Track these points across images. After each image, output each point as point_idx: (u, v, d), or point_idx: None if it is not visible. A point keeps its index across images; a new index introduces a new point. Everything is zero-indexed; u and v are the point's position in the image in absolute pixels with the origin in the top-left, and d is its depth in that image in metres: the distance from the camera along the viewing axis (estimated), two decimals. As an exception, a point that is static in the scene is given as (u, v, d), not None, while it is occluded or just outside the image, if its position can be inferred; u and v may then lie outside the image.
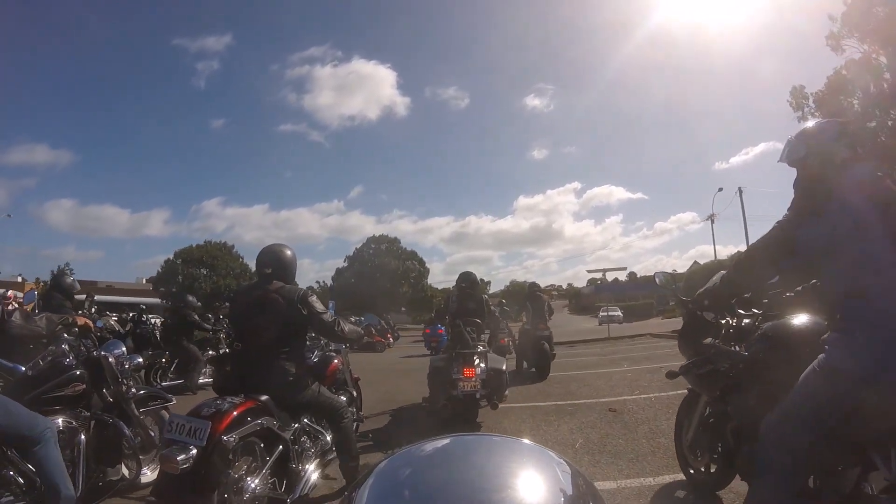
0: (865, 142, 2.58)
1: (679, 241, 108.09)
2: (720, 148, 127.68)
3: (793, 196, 2.30)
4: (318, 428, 3.60)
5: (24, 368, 3.38)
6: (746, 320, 2.90)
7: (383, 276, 53.78)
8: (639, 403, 6.32)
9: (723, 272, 2.74)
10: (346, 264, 57.91)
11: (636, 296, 50.06)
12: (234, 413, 2.76)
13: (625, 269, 50.13)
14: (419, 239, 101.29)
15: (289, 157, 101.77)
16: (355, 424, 4.02)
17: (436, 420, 5.71)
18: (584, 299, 73.44)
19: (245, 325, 3.37)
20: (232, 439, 2.68)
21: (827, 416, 2.03)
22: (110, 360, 3.55)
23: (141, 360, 4.64)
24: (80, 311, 6.06)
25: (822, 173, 2.22)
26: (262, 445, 3.00)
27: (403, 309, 50.69)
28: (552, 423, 5.68)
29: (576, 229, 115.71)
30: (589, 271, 52.68)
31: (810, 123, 2.44)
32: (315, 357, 4.08)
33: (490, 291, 78.39)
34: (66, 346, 3.46)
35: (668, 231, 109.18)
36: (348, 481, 3.33)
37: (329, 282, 58.20)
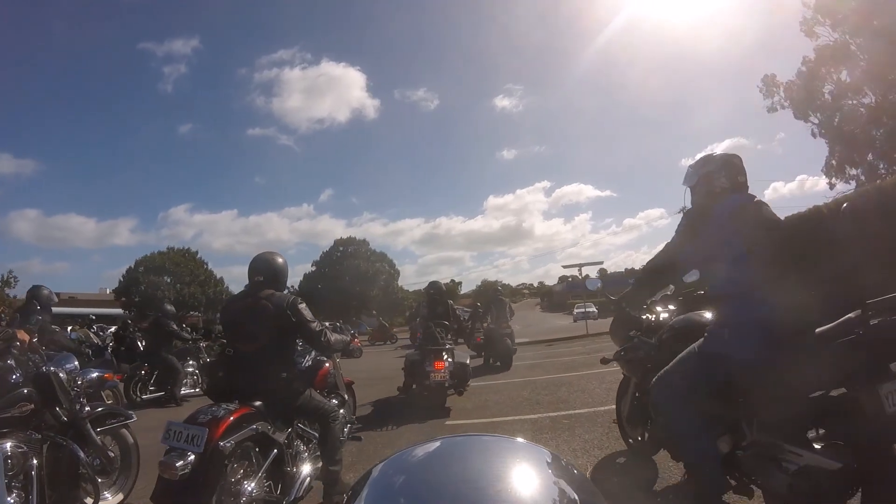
0: (745, 172, 2.80)
1: (648, 237, 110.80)
2: (686, 144, 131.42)
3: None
4: (311, 432, 3.61)
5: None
6: (664, 315, 3.60)
7: (353, 280, 53.18)
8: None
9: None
10: (313, 269, 57.05)
11: (611, 290, 50.74)
12: (230, 419, 2.83)
13: (601, 262, 50.80)
14: (390, 241, 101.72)
15: (257, 162, 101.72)
16: (347, 427, 4.06)
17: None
18: (556, 297, 74.19)
19: (237, 332, 3.40)
20: (229, 445, 2.77)
21: (696, 387, 2.62)
22: (61, 375, 3.32)
23: (95, 374, 4.41)
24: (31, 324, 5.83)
25: (704, 200, 2.80)
26: (256, 450, 3.07)
27: (374, 312, 50.15)
28: (548, 441, 4.80)
29: (546, 228, 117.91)
30: (564, 266, 52.81)
31: (702, 155, 2.97)
32: (307, 362, 4.09)
33: (462, 292, 79.59)
34: (13, 362, 3.26)
35: (637, 227, 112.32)
36: (327, 486, 3.38)
37: (297, 287, 57.49)
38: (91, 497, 3.36)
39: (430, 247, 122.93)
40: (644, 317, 3.69)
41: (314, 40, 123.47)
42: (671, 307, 3.68)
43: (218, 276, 50.64)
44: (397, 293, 57.42)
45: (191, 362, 9.76)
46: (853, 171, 25.26)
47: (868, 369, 2.14)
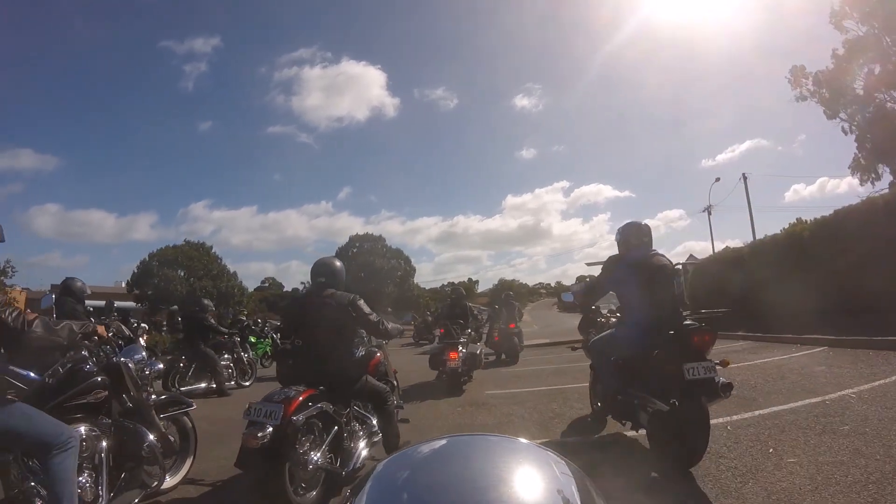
0: (650, 234, 3.84)
1: (666, 238, 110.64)
2: (707, 145, 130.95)
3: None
4: (365, 413, 4.31)
5: (34, 375, 3.22)
6: (612, 319, 5.40)
7: (368, 276, 53.49)
8: (761, 428, 4.64)
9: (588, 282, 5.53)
10: (328, 264, 57.64)
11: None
12: (300, 399, 3.45)
13: None
14: (407, 239, 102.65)
15: (277, 159, 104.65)
16: (396, 410, 4.60)
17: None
18: (574, 297, 73.57)
19: (304, 326, 4.12)
20: (299, 420, 3.38)
21: (609, 353, 4.51)
22: (130, 366, 3.60)
23: (161, 365, 4.75)
24: (102, 318, 6.49)
25: (621, 252, 4.62)
26: (320, 426, 3.69)
27: (389, 309, 50.44)
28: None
29: (563, 228, 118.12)
30: (588, 264, 52.55)
31: (626, 223, 4.71)
32: (361, 352, 4.64)
33: (478, 291, 79.78)
34: (86, 353, 3.50)
35: (655, 228, 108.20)
36: (387, 447, 4.10)
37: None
38: (153, 478, 3.64)
39: (447, 245, 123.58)
40: (599, 319, 5.63)
41: (335, 39, 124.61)
42: (617, 314, 5.27)
43: (231, 271, 51.01)
44: (412, 290, 57.65)
45: (226, 356, 10.18)
46: (882, 169, 24.90)
47: (679, 355, 3.81)
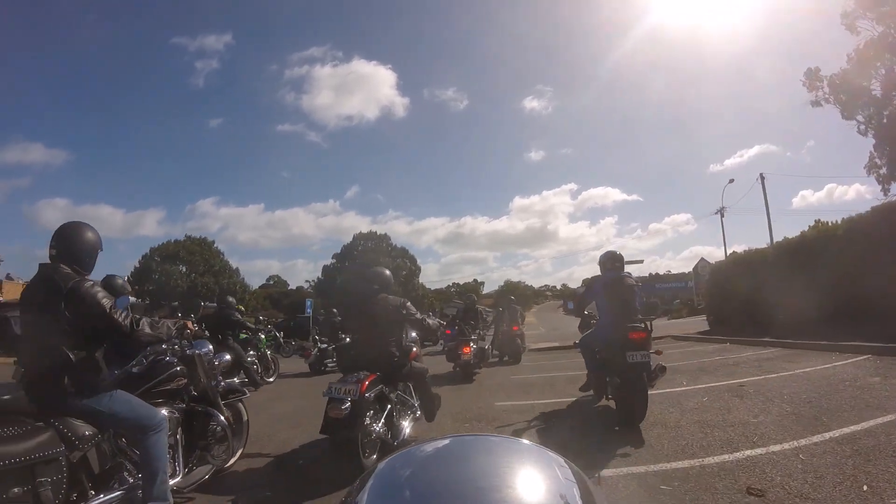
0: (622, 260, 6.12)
1: (673, 242, 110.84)
2: (715, 150, 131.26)
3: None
4: (406, 397, 5.29)
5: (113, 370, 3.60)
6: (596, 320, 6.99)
7: (372, 275, 53.57)
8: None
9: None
10: (333, 262, 57.45)
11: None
12: (368, 381, 4.47)
13: (641, 261, 49.66)
14: (414, 240, 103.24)
15: (285, 157, 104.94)
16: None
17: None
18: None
19: (363, 324, 5.27)
20: (370, 396, 4.46)
21: (593, 349, 6.16)
22: (202, 357, 4.13)
23: (229, 357, 5.50)
24: (180, 315, 6.89)
25: (601, 274, 6.24)
26: (377, 406, 4.71)
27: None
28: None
29: (570, 230, 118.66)
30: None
31: (605, 252, 6.42)
32: (406, 344, 5.41)
33: (484, 291, 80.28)
34: (165, 346, 3.83)
35: (663, 232, 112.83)
36: (428, 418, 5.34)
37: (317, 281, 57.89)
38: (221, 456, 4.20)
39: (453, 246, 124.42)
40: (591, 322, 7.46)
41: (346, 38, 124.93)
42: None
43: (234, 267, 51.03)
44: (417, 290, 57.67)
45: (251, 352, 10.51)
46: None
47: (624, 346, 5.34)
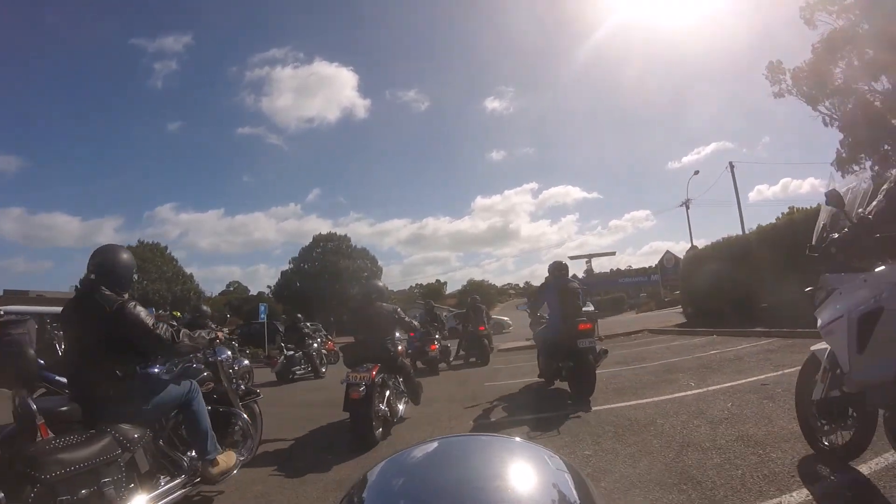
0: (567, 269, 8.18)
1: (633, 238, 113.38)
2: (673, 148, 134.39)
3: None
4: (398, 385, 6.52)
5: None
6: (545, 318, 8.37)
7: (332, 277, 52.12)
8: None
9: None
10: (290, 266, 55.77)
11: (597, 290, 50.16)
12: (374, 370, 5.72)
13: (613, 253, 49.53)
14: (376, 241, 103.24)
15: (246, 161, 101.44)
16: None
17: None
18: (544, 296, 73.90)
19: (365, 327, 6.49)
20: (378, 381, 5.80)
21: (546, 344, 8.02)
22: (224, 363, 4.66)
23: (247, 362, 6.72)
24: (214, 326, 8.44)
25: (548, 279, 7.98)
26: (380, 391, 5.96)
27: (356, 312, 49.29)
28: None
29: (532, 229, 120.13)
30: (571, 258, 52.39)
31: (553, 262, 8.02)
32: (397, 343, 6.74)
33: (447, 292, 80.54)
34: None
35: (623, 228, 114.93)
36: (413, 401, 6.65)
37: (275, 286, 56.16)
38: (245, 451, 4.58)
39: (416, 247, 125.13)
40: (541, 320, 8.42)
41: (307, 39, 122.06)
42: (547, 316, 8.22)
43: (188, 273, 49.21)
44: (362, 284, 56.43)
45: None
46: (865, 162, 25.33)
47: (574, 335, 6.87)
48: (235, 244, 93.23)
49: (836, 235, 3.26)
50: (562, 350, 7.16)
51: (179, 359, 4.02)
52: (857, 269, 3.11)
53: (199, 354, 4.20)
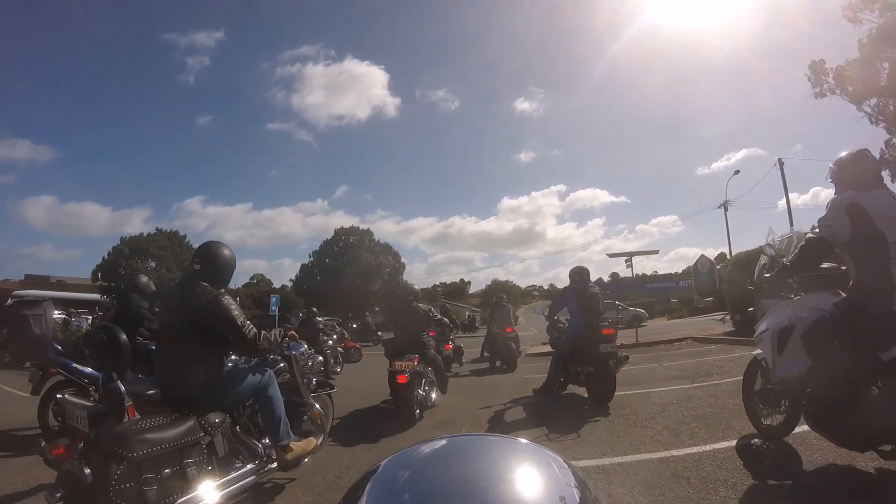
0: (588, 273, 8.18)
1: (659, 243, 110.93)
2: (703, 153, 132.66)
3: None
4: (431, 376, 7.50)
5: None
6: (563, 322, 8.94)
7: (354, 273, 51.35)
8: None
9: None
10: (311, 260, 55.25)
11: (625, 295, 48.34)
12: (415, 360, 6.80)
13: (656, 251, 47.70)
14: (402, 239, 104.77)
15: (274, 156, 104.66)
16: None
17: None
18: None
19: (403, 323, 7.58)
20: (419, 368, 6.91)
21: (566, 348, 7.67)
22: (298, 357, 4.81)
23: (321, 358, 6.48)
24: (290, 324, 9.05)
25: (570, 284, 8.00)
26: (418, 378, 6.97)
27: (377, 308, 48.42)
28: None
29: (558, 231, 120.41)
30: (610, 255, 50.68)
31: (574, 267, 8.28)
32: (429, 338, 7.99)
33: (471, 291, 79.96)
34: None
35: (649, 233, 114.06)
36: (441, 388, 7.76)
37: (294, 280, 55.74)
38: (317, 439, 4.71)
39: (441, 246, 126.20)
40: (558, 324, 8.95)
41: (339, 37, 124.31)
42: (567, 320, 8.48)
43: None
44: (400, 285, 55.56)
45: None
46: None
47: (597, 340, 7.07)
48: (261, 238, 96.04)
49: (768, 275, 4.49)
50: (583, 354, 7.23)
51: (256, 357, 4.27)
52: (783, 297, 4.40)
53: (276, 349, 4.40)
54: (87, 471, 2.65)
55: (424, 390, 7.09)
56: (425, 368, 7.21)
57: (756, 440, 4.68)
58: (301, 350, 4.99)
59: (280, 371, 4.35)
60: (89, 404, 3.92)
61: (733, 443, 4.68)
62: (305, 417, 4.72)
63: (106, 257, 45.03)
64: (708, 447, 4.63)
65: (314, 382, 5.20)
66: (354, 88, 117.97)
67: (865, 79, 24.73)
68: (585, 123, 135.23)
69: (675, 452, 4.55)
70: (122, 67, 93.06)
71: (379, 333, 27.19)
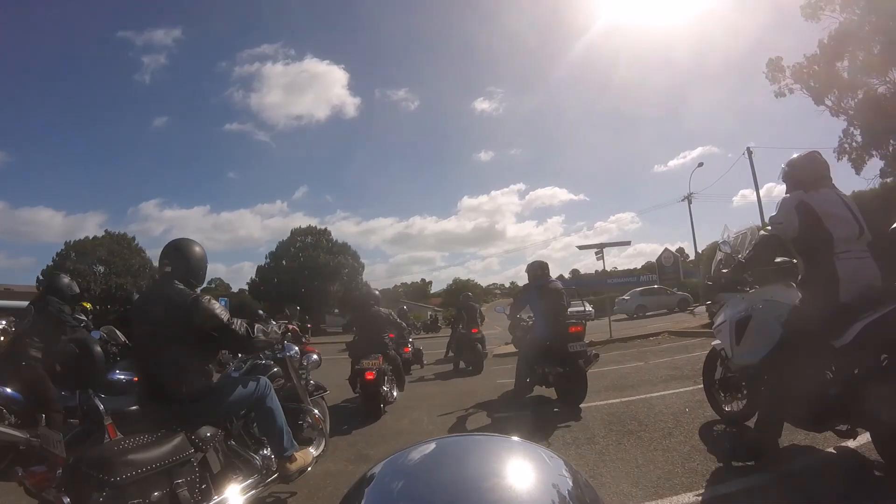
0: (548, 268, 8.00)
1: (618, 239, 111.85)
2: (659, 152, 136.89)
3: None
4: (391, 374, 8.04)
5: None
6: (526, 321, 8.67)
7: (311, 274, 50.58)
8: None
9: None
10: (268, 261, 54.18)
11: (585, 291, 48.88)
12: (380, 358, 7.37)
13: (628, 242, 48.08)
14: (362, 240, 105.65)
15: (233, 158, 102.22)
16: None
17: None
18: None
19: (366, 326, 8.08)
20: (384, 367, 7.55)
21: (532, 348, 7.17)
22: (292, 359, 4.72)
23: (316, 357, 5.88)
24: (291, 320, 8.98)
25: (530, 281, 7.78)
26: (382, 375, 7.49)
27: (336, 310, 47.82)
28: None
29: (518, 229, 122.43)
30: (580, 247, 50.59)
31: (532, 261, 7.85)
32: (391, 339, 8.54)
33: (432, 291, 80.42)
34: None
35: (608, 230, 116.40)
36: (399, 386, 8.36)
37: (251, 282, 54.62)
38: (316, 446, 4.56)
39: (401, 246, 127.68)
40: (521, 323, 8.56)
41: (299, 36, 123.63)
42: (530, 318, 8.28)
43: (155, 266, 47.72)
44: (361, 289, 55.05)
45: None
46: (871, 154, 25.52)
47: (565, 339, 6.70)
48: (220, 241, 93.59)
49: (725, 271, 4.84)
50: (550, 354, 6.90)
51: (251, 355, 4.17)
52: (739, 291, 4.74)
53: (267, 351, 4.26)
54: (66, 500, 2.46)
55: (387, 387, 7.73)
56: (387, 367, 7.74)
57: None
58: (294, 351, 4.72)
59: (274, 376, 4.10)
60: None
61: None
62: (305, 423, 4.52)
63: (51, 263, 43.30)
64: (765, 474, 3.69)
65: (312, 383, 5.09)
66: (314, 88, 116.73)
67: (827, 75, 25.37)
68: (544, 122, 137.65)
69: (724, 489, 3.50)
70: (77, 67, 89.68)
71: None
